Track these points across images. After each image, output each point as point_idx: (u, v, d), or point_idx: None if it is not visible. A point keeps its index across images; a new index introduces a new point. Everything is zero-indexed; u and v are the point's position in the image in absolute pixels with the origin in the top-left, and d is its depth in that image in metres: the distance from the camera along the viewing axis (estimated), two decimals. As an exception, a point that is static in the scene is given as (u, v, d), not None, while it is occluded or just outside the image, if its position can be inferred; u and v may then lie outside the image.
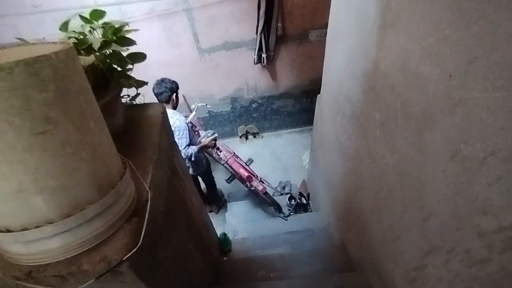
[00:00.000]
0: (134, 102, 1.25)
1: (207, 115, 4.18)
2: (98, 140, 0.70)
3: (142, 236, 0.77)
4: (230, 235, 2.62)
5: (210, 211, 3.65)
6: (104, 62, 0.86)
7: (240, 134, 4.48)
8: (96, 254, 0.71)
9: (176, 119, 2.36)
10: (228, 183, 3.25)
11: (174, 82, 2.49)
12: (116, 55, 0.94)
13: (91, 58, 0.82)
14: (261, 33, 3.18)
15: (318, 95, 2.29)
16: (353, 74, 1.45)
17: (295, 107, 4.25)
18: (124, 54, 1.02)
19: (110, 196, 0.72)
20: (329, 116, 2.00)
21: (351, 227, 1.89)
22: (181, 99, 3.84)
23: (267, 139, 4.56)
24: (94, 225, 0.70)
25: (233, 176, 3.10)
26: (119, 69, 1.00)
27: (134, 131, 1.09)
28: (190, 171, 2.72)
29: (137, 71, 3.20)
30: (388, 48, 1.04)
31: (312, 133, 2.73)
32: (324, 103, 2.16)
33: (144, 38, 3.31)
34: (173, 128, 2.33)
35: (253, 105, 4.14)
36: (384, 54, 1.08)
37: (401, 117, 1.02)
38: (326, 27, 1.84)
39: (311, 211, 3.10)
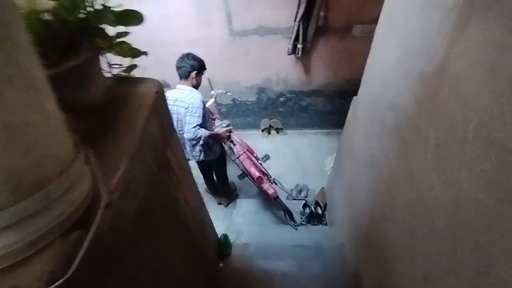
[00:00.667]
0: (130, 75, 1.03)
1: (231, 102, 3.95)
2: (24, 117, 0.47)
3: (78, 259, 0.55)
4: (233, 236, 2.40)
5: (219, 203, 3.45)
6: (71, 12, 0.63)
7: (263, 127, 4.22)
8: (2, 281, 0.50)
9: (192, 96, 2.20)
10: (240, 179, 3.02)
11: (199, 60, 2.31)
12: (100, 12, 0.71)
13: (50, 3, 0.60)
14: (300, 21, 2.87)
15: (354, 97, 1.98)
16: (405, 76, 1.14)
17: (326, 107, 3.92)
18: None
19: (32, 201, 0.49)
20: (364, 123, 1.70)
21: (370, 257, 1.59)
22: (205, 82, 3.64)
23: (290, 137, 4.27)
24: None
25: (245, 173, 2.86)
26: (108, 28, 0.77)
27: (117, 111, 0.86)
28: (201, 156, 2.51)
29: (163, 46, 2.96)
30: (469, 42, 0.74)
31: (341, 138, 2.42)
32: (360, 107, 1.85)
33: (173, 13, 3.13)
34: (186, 105, 2.18)
35: (281, 98, 3.85)
36: (460, 50, 0.77)
37: (472, 142, 0.72)
38: (374, 23, 1.52)
39: (326, 223, 2.82)
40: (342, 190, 2.23)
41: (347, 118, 2.14)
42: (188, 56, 2.27)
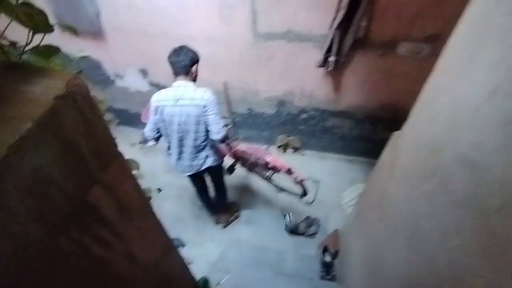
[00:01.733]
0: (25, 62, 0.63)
1: (246, 112, 3.53)
2: None
3: None
4: (216, 278, 1.95)
5: (217, 222, 3.04)
6: None
7: (279, 144, 3.77)
8: None
9: (204, 92, 1.97)
10: (229, 174, 3.00)
11: (196, 52, 2.03)
12: None
13: None
14: (336, 30, 2.43)
15: (395, 133, 1.50)
16: (504, 120, 0.67)
17: (353, 131, 3.42)
18: None
19: None
20: (408, 173, 1.22)
21: None
22: (220, 87, 3.25)
23: (307, 158, 3.80)
24: None
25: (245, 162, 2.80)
26: None
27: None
28: (206, 162, 2.26)
29: (178, 41, 2.62)
30: None
31: (369, 181, 1.93)
32: (403, 148, 1.36)
33: (192, 4, 2.67)
34: (203, 103, 1.95)
35: (303, 115, 3.39)
36: None
37: None
38: (427, 42, 1.08)
39: (334, 273, 2.31)
40: (362, 246, 1.74)
41: (382, 157, 1.65)
42: (184, 48, 1.99)
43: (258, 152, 2.73)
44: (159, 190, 2.81)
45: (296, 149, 3.80)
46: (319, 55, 2.68)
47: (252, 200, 3.33)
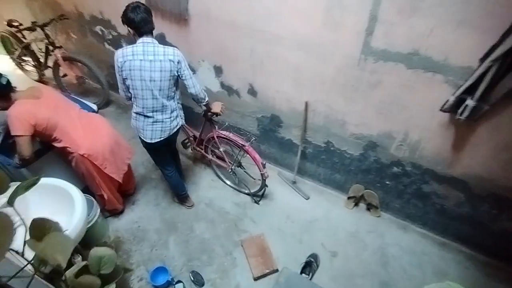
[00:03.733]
0: None
1: (322, 145, 2.84)
2: None
3: None
4: None
5: (190, 206, 2.94)
6: None
7: (351, 194, 2.97)
8: None
9: (174, 50, 2.00)
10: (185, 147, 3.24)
11: None
12: None
13: None
14: (490, 64, 1.64)
15: None
16: None
17: (461, 208, 2.47)
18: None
19: None
20: None
21: None
22: (300, 107, 2.64)
23: (383, 223, 2.91)
24: None
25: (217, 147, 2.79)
26: None
27: None
28: (177, 122, 2.31)
29: (264, 40, 2.26)
30: None
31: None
32: None
33: None
34: (176, 59, 1.99)
35: (395, 168, 2.57)
36: None
37: None
38: None
39: None
40: None
41: None
42: (141, 5, 1.88)
43: (238, 138, 2.63)
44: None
45: (371, 207, 2.95)
46: (449, 95, 1.90)
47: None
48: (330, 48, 2.17)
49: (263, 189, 2.91)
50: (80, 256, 1.77)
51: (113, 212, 2.75)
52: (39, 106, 2.03)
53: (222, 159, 2.88)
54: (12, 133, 1.91)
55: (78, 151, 2.17)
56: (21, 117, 1.91)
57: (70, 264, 0.78)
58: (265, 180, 2.73)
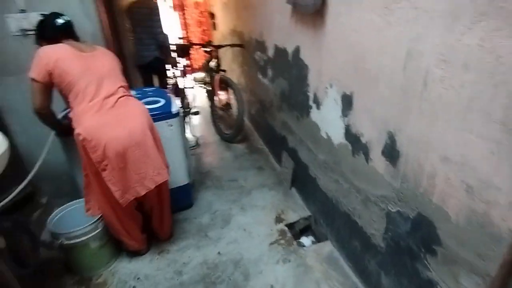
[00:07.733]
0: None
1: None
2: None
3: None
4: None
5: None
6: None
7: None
8: None
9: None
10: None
11: None
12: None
13: None
14: None
15: None
16: None
17: None
18: None
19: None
20: None
21: None
22: (502, 223, 1.03)
23: None
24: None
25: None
26: None
27: None
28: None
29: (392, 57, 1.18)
30: None
31: None
32: None
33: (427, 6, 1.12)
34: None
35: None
36: None
37: None
38: None
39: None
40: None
41: None
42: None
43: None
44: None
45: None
46: None
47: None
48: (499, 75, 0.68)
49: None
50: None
51: (124, 248, 1.97)
52: (72, 58, 1.59)
53: None
54: (28, 74, 1.54)
55: (76, 128, 1.55)
56: (42, 58, 1.54)
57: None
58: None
